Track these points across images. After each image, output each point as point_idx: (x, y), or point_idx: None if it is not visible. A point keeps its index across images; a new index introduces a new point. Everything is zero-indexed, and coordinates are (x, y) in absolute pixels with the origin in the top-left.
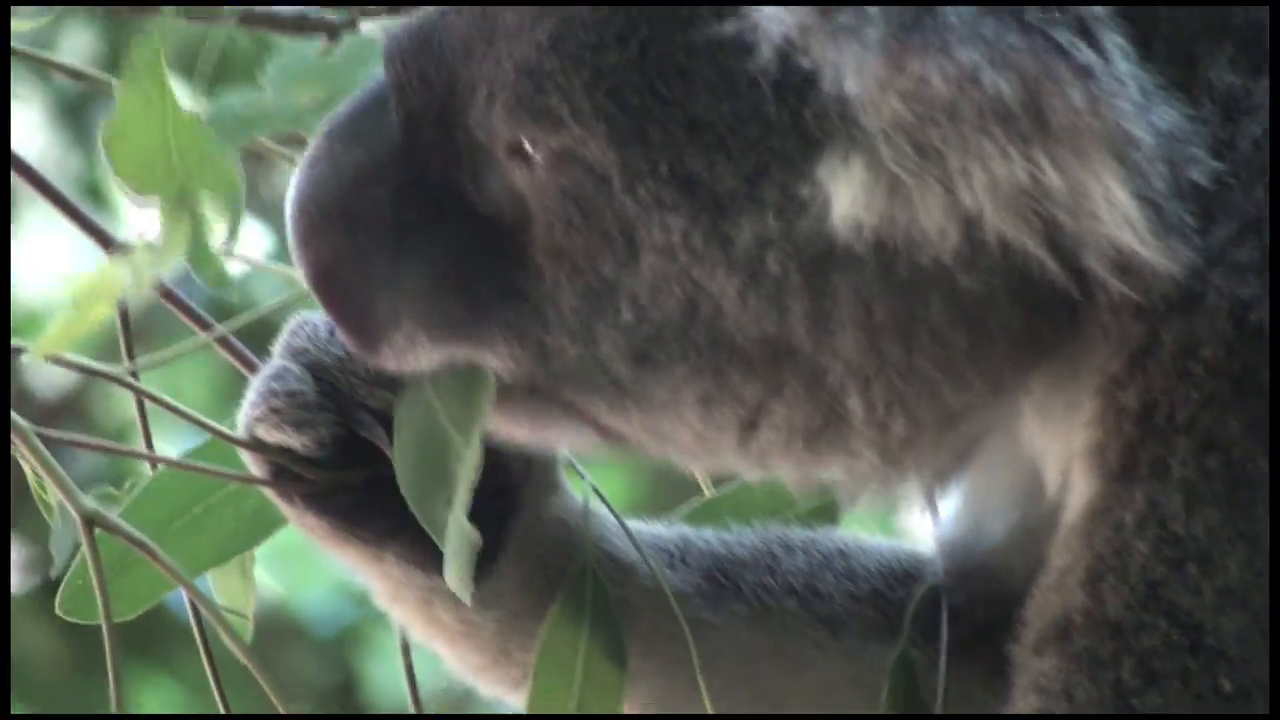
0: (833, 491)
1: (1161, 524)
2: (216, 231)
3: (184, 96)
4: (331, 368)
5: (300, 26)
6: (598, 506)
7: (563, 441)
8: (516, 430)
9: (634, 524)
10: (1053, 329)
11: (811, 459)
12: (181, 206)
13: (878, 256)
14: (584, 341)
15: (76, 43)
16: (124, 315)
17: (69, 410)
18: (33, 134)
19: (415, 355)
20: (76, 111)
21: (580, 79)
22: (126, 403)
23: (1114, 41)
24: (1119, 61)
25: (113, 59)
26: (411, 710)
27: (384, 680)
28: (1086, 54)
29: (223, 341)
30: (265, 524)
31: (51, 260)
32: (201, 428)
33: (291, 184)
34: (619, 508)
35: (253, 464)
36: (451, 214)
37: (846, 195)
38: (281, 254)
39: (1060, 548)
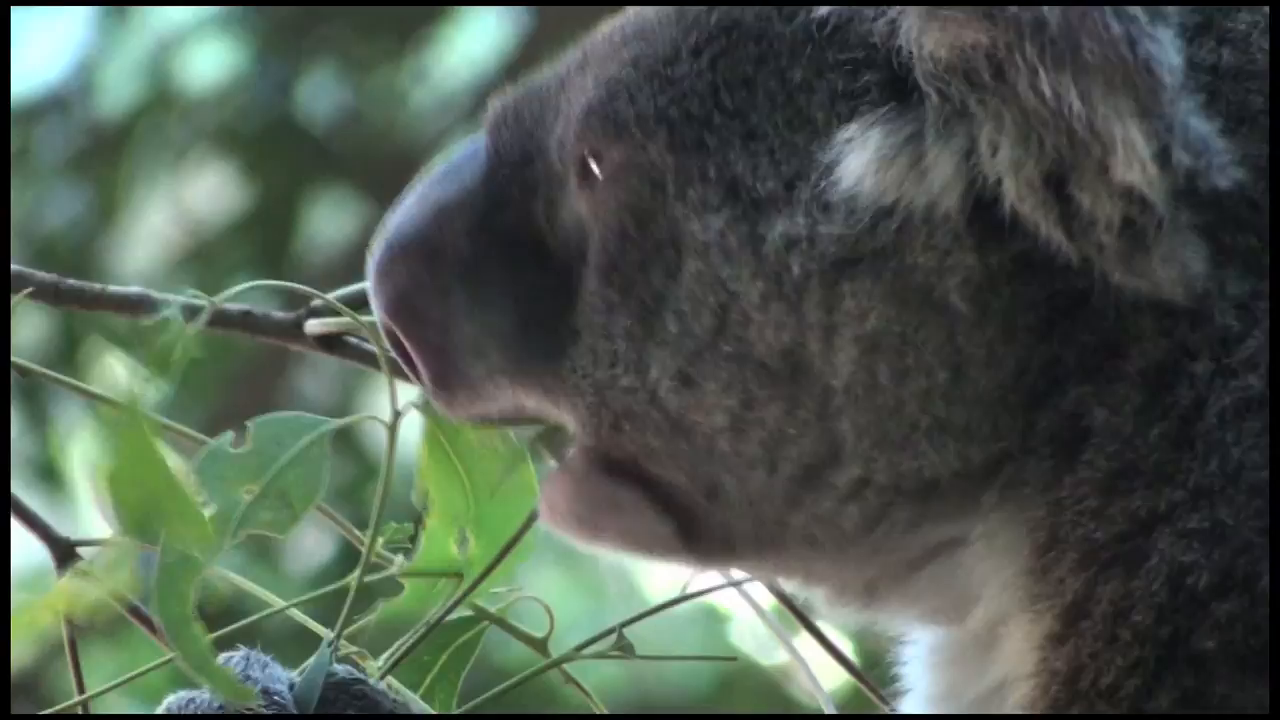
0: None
1: None
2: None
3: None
4: None
5: (244, 324)
6: None
7: (646, 546)
8: (602, 538)
9: None
10: (1019, 441)
11: (812, 507)
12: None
13: (879, 262)
14: (635, 370)
15: (30, 331)
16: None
17: (23, 689)
18: None
19: (490, 395)
20: (32, 393)
21: (650, 87)
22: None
23: (1171, 28)
24: (1168, 39)
25: (65, 348)
26: None
27: None
28: (1136, 11)
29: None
30: None
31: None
32: None
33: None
34: None
35: None
36: (525, 247)
37: (861, 157)
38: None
39: None
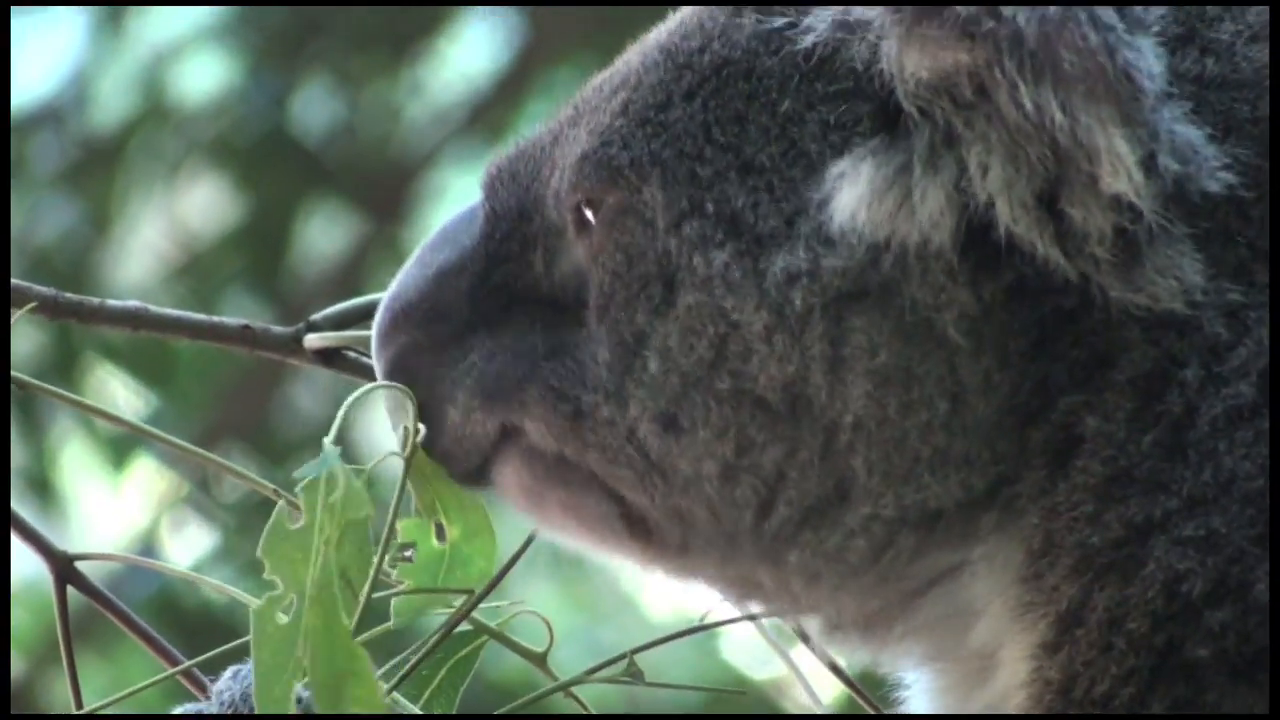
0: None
1: None
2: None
3: None
4: None
5: (242, 338)
6: None
7: (590, 526)
8: (547, 511)
9: None
10: (1013, 470)
11: (815, 544)
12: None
13: (885, 296)
14: (615, 402)
15: (25, 343)
16: (64, 617)
17: (18, 699)
18: None
19: (470, 428)
20: (26, 405)
21: (643, 132)
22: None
23: (1150, 36)
24: (1148, 47)
25: (61, 360)
26: None
27: None
28: (1113, 19)
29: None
30: None
31: None
32: None
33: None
34: None
35: None
36: (522, 294)
37: (853, 193)
38: (222, 554)
39: None
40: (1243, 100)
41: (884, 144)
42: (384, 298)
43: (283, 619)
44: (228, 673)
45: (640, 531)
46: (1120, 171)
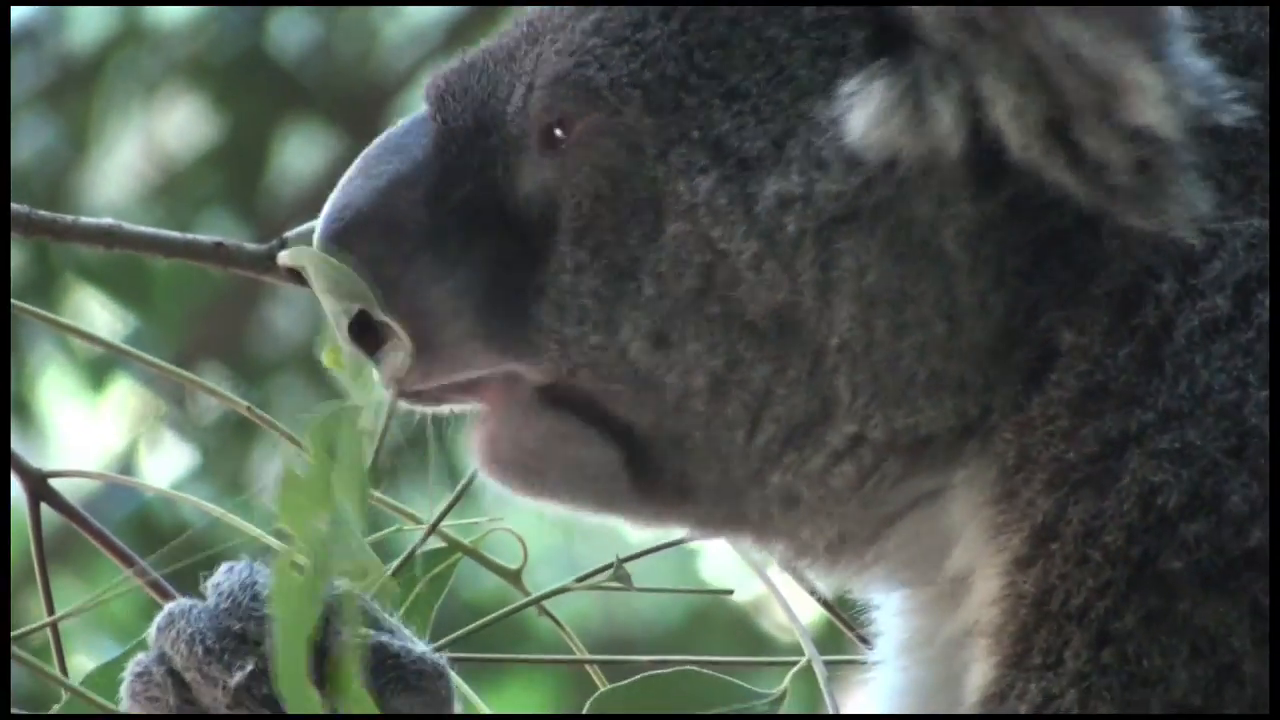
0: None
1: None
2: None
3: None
4: (190, 682)
5: (216, 256)
6: None
7: (591, 479)
8: (545, 471)
9: None
10: (1000, 401)
11: (797, 465)
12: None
13: (877, 216)
14: (604, 329)
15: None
16: (38, 535)
17: None
18: None
19: (465, 360)
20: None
21: (620, 52)
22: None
23: None
24: None
25: (38, 281)
26: None
27: None
28: None
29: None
30: None
31: None
32: None
33: (328, 202)
34: None
35: None
36: (486, 215)
37: (866, 110)
38: (200, 474)
39: None
40: (1215, 18)
41: (891, 65)
42: (325, 209)
43: (298, 574)
44: (222, 568)
45: (643, 476)
46: (1149, 105)
